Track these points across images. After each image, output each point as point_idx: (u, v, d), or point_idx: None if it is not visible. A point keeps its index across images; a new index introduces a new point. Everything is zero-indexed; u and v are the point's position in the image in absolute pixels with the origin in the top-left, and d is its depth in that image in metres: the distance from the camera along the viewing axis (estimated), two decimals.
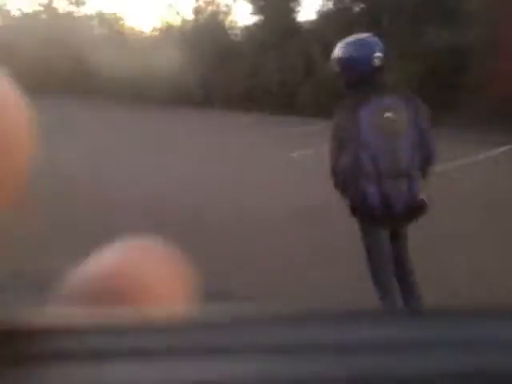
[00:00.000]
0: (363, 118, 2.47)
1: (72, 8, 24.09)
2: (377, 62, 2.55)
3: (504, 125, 9.93)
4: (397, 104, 2.52)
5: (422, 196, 2.54)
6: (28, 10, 25.31)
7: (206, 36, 17.71)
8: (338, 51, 2.65)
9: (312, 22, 17.78)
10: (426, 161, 2.58)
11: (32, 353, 0.12)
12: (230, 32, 19.42)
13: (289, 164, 7.89)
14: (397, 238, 2.68)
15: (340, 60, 2.62)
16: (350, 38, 2.69)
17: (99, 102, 17.07)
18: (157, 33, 20.82)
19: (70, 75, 20.43)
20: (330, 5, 17.74)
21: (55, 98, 17.23)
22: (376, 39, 2.67)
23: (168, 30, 19.86)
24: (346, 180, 2.55)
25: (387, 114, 2.49)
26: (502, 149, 9.21)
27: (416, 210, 2.56)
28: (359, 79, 2.56)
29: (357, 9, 17.00)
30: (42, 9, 24.69)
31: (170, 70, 17.01)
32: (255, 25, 18.53)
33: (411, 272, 2.71)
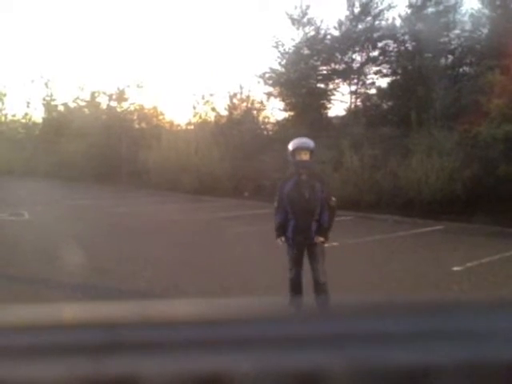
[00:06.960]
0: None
1: (114, 104, 25.52)
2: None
3: None
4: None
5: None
6: (73, 104, 27.02)
7: (239, 130, 18.39)
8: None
9: (342, 118, 18.34)
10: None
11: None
12: (262, 127, 20.12)
13: None
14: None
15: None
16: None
17: (131, 191, 17.56)
18: (192, 126, 21.73)
19: (105, 165, 21.28)
20: (359, 102, 18.40)
21: (87, 186, 17.80)
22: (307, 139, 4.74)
23: (203, 124, 20.73)
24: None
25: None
26: None
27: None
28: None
29: (385, 106, 17.53)
30: (84, 103, 26.31)
31: (202, 161, 17.55)
32: (286, 120, 19.21)
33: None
